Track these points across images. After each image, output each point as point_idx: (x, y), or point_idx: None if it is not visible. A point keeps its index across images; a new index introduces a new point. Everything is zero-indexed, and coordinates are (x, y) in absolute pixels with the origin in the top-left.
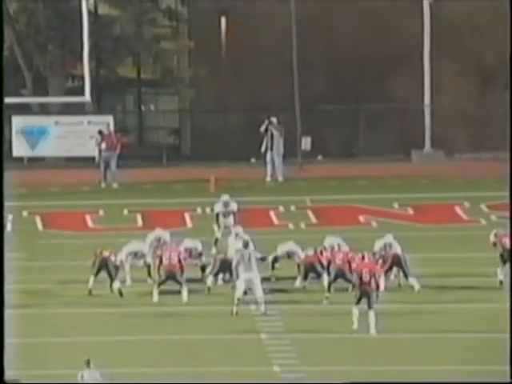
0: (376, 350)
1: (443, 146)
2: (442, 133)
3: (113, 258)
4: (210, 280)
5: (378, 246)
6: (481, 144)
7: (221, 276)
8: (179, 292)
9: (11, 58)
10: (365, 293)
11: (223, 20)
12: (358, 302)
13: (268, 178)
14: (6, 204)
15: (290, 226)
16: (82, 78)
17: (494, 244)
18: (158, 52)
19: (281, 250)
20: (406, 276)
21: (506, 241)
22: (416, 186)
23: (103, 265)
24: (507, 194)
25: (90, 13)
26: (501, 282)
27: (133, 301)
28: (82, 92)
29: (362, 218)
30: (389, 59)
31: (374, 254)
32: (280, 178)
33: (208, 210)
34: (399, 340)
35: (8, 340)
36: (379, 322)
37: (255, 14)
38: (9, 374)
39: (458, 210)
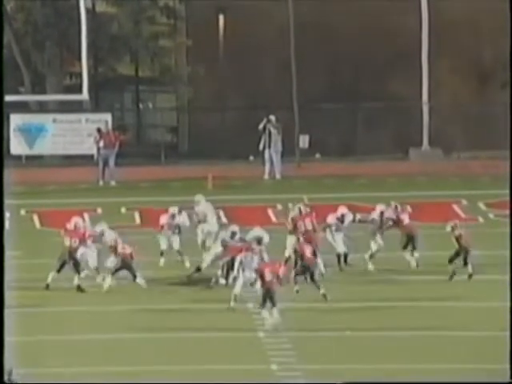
0: (375, 349)
1: (441, 145)
2: (440, 131)
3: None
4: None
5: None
6: (479, 142)
7: (219, 273)
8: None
9: (9, 56)
10: (268, 292)
11: (221, 18)
12: (264, 302)
13: (266, 176)
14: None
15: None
16: (80, 75)
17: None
18: (155, 50)
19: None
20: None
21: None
22: (414, 185)
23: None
24: (505, 192)
25: (87, 10)
26: (470, 276)
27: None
28: (79, 90)
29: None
30: (387, 57)
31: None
32: (278, 176)
33: None
34: (398, 338)
35: (6, 339)
36: (379, 319)
37: (253, 12)
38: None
39: (455, 208)
